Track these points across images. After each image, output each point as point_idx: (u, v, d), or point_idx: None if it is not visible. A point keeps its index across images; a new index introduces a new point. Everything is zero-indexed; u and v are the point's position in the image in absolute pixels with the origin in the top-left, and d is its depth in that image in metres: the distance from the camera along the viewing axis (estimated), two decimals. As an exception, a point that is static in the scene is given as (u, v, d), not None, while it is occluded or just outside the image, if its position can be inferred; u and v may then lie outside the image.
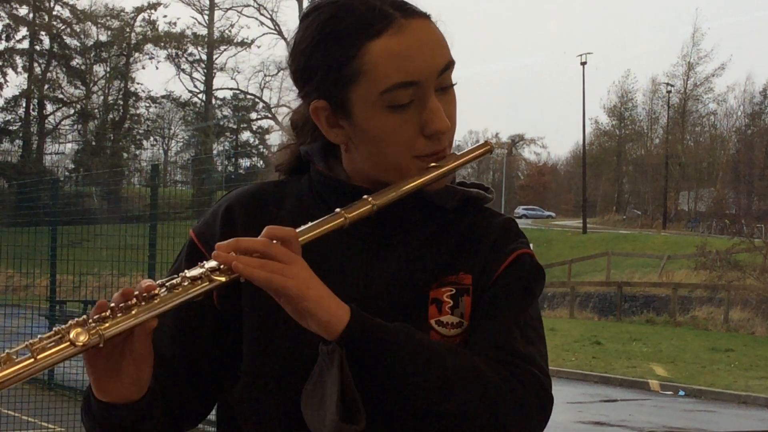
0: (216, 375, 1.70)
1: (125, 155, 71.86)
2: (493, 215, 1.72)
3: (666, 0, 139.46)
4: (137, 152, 74.99)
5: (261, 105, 73.96)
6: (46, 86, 70.02)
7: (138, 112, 74.17)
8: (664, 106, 75.09)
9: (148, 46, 72.72)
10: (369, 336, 1.46)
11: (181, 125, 76.72)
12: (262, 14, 74.21)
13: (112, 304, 1.42)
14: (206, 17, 74.12)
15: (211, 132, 72.75)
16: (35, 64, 70.34)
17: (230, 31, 74.67)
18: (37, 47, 70.05)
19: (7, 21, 68.44)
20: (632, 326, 29.44)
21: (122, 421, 1.54)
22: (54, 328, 1.39)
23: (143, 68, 75.85)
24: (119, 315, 1.41)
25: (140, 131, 74.58)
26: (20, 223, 15.88)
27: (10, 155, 69.64)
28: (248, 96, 74.37)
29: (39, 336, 1.39)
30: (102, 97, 72.97)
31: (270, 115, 72.53)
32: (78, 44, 70.98)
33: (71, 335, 1.37)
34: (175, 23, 73.70)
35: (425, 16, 1.62)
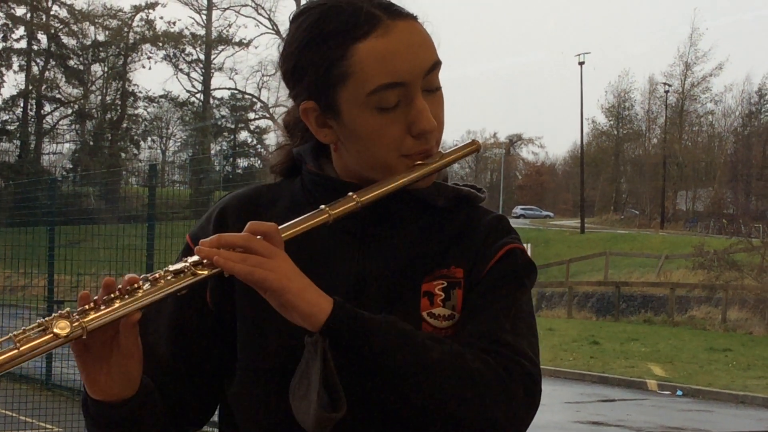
0: (216, 374, 1.71)
1: (123, 155, 71.83)
2: (485, 212, 1.74)
3: (664, 0, 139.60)
4: (135, 152, 74.99)
5: (259, 105, 74.03)
6: (43, 86, 69.99)
7: (136, 111, 74.23)
8: (662, 106, 75.15)
9: (146, 46, 72.71)
10: (352, 325, 1.48)
11: (179, 125, 76.78)
12: (259, 14, 74.30)
13: (95, 297, 1.44)
14: (204, 17, 74.15)
15: (209, 132, 72.75)
16: (33, 64, 70.33)
17: (228, 31, 74.74)
18: (35, 47, 70.07)
19: (5, 21, 68.44)
20: (630, 326, 29.45)
21: (118, 419, 1.57)
22: (38, 320, 1.41)
23: (143, 67, 75.74)
24: (102, 308, 1.43)
25: (138, 131, 74.59)
26: (18, 223, 15.88)
27: (8, 155, 69.63)
28: (246, 96, 74.40)
29: (23, 327, 1.40)
30: (100, 97, 72.97)
31: (268, 115, 72.56)
32: (76, 44, 71.00)
33: (54, 327, 1.39)
34: (173, 23, 73.60)
35: (412, 18, 1.63)
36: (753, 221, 44.73)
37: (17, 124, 69.81)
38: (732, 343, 24.24)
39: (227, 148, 73.88)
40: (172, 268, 1.48)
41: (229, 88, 75.51)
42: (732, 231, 37.45)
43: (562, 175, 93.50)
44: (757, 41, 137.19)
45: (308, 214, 1.57)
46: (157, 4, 71.08)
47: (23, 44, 69.52)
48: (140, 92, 73.66)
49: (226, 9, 74.49)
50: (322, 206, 1.57)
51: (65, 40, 70.60)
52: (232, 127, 74.94)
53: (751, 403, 16.57)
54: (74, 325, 1.40)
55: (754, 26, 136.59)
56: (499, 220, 1.72)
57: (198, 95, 74.84)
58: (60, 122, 72.27)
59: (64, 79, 71.04)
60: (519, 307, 1.64)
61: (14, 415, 11.19)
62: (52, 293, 13.86)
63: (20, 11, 68.96)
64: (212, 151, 71.55)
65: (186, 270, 1.47)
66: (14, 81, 72.91)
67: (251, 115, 74.97)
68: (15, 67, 69.61)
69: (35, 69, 70.58)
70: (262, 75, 72.52)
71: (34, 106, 70.56)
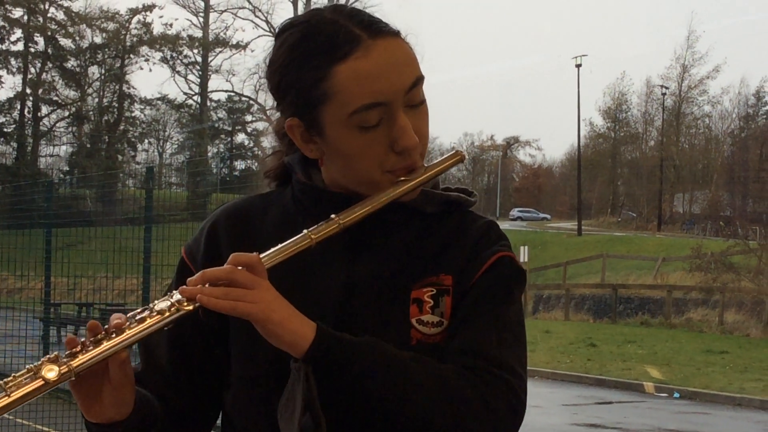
0: (215, 384, 1.75)
1: (120, 157, 71.76)
2: (475, 218, 1.74)
3: (661, 2, 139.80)
4: (132, 154, 74.96)
5: (256, 107, 73.97)
6: (40, 88, 69.95)
7: (133, 114, 74.17)
8: (659, 108, 75.20)
9: (143, 49, 72.67)
10: (333, 351, 1.51)
11: (176, 127, 76.75)
12: (257, 16, 74.32)
13: (83, 339, 1.49)
14: (201, 19, 74.16)
15: (205, 134, 72.73)
16: (30, 66, 70.30)
17: (225, 34, 74.79)
18: (32, 49, 70.02)
19: (2, 23, 68.41)
20: (627, 328, 29.44)
21: None
22: (26, 366, 1.46)
23: (141, 69, 75.71)
24: (90, 348, 1.48)
25: (135, 133, 74.58)
26: (15, 225, 15.87)
27: (5, 157, 69.65)
28: (243, 98, 74.45)
29: (13, 374, 1.45)
30: (97, 100, 72.93)
31: (265, 117, 72.40)
32: (73, 46, 70.95)
33: (43, 372, 1.44)
34: (170, 25, 73.55)
35: (393, 34, 1.64)
36: (750, 223, 44.88)
37: (14, 126, 69.81)
38: (729, 346, 24.24)
39: (224, 151, 73.90)
40: (157, 307, 1.52)
41: (226, 91, 75.63)
42: (729, 233, 37.50)
43: (559, 177, 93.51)
44: (753, 44, 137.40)
45: (291, 240, 1.58)
46: (154, 6, 71.11)
47: (20, 46, 69.51)
48: (137, 95, 73.72)
49: (223, 11, 74.64)
50: (305, 231, 1.59)
51: (62, 42, 70.60)
52: (229, 129, 74.94)
53: (748, 406, 16.57)
54: (62, 369, 1.45)
55: (751, 29, 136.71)
56: (489, 226, 1.73)
57: (195, 98, 74.88)
58: (57, 124, 72.28)
59: (61, 82, 71.04)
60: (506, 318, 1.65)
61: (11, 417, 11.18)
62: (49, 295, 13.85)
63: (17, 13, 69.02)
64: (209, 154, 71.60)
65: (171, 306, 1.51)
66: (11, 83, 72.97)
67: (248, 118, 75.02)
68: (12, 69, 69.57)
69: (32, 71, 70.60)
70: (259, 77, 71.60)
71: (32, 109, 70.51)
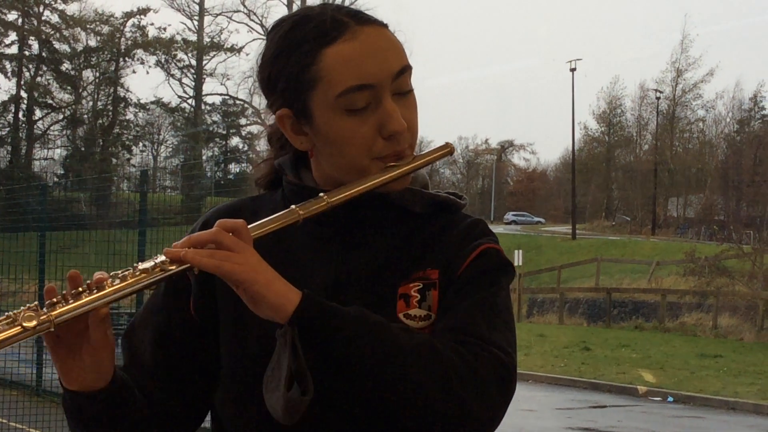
0: (203, 383, 1.74)
1: (114, 161, 71.74)
2: (463, 217, 1.75)
3: (655, 6, 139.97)
4: (127, 158, 74.90)
5: (250, 110, 73.91)
6: (35, 91, 69.89)
7: (127, 117, 74.15)
8: (653, 112, 75.30)
9: (138, 52, 72.64)
10: (321, 315, 1.49)
11: (171, 131, 76.68)
12: (251, 19, 74.24)
13: (64, 292, 1.48)
14: (196, 23, 74.13)
15: (200, 138, 72.66)
16: (24, 70, 70.23)
17: (220, 37, 74.69)
18: (27, 52, 69.97)
19: (-4, 26, 68.33)
20: (621, 332, 29.47)
21: (94, 412, 1.60)
22: (6, 313, 1.45)
23: (134, 72, 75.69)
24: (71, 301, 1.46)
25: (129, 137, 74.51)
26: (8, 228, 15.85)
27: (-1, 160, 69.53)
28: (237, 101, 74.35)
29: None
30: (91, 103, 72.85)
31: (259, 121, 71.80)
32: (67, 49, 70.89)
33: (22, 320, 1.43)
34: (164, 29, 73.65)
35: (381, 24, 1.67)
36: (744, 228, 44.83)
37: (8, 129, 69.69)
38: (723, 350, 24.27)
39: (219, 154, 73.85)
40: (141, 266, 1.50)
41: (220, 94, 75.54)
42: (723, 237, 37.52)
43: (553, 181, 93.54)
44: (748, 48, 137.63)
45: (278, 214, 1.59)
46: (148, 10, 71.12)
47: (15, 49, 69.49)
48: (132, 98, 73.66)
49: (218, 15, 74.55)
50: (293, 206, 1.59)
51: (57, 45, 70.54)
52: (224, 132, 74.88)
53: (742, 410, 16.59)
54: (42, 318, 1.43)
55: (745, 33, 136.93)
56: (476, 222, 1.74)
57: (189, 101, 74.84)
58: (51, 128, 72.19)
59: (55, 85, 70.98)
60: (494, 303, 1.64)
61: (4, 421, 11.18)
62: (43, 299, 13.81)
63: (12, 17, 68.96)
64: (204, 157, 71.52)
65: (155, 267, 1.49)
66: (6, 86, 72.79)
67: (243, 121, 74.92)
68: (7, 72, 69.48)
69: (27, 74, 70.50)
70: (254, 81, 71.87)
71: (26, 112, 70.45)
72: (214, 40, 73.90)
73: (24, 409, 11.24)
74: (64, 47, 70.81)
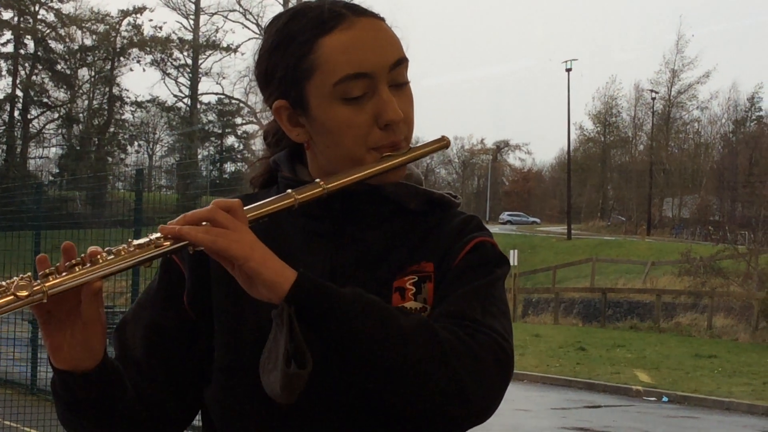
0: (194, 379, 1.73)
1: (110, 160, 71.68)
2: (457, 213, 1.75)
3: (650, 7, 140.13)
4: (122, 157, 74.87)
5: (246, 110, 73.93)
6: (30, 90, 69.81)
7: (123, 116, 74.10)
8: (649, 112, 75.43)
9: (134, 51, 72.60)
10: (317, 292, 1.49)
11: (166, 130, 76.64)
12: (247, 19, 74.23)
13: (57, 264, 1.47)
14: (192, 22, 74.07)
15: (195, 137, 72.62)
16: (20, 68, 70.16)
17: (216, 36, 74.66)
18: (22, 51, 69.90)
19: (-8, 25, 68.26)
20: (616, 332, 29.49)
21: (83, 395, 1.59)
22: None
23: (131, 70, 75.70)
24: (64, 274, 1.45)
25: (125, 136, 74.47)
26: (3, 227, 15.81)
27: (-6, 159, 69.45)
28: (233, 101, 74.35)
29: None
30: (87, 102, 72.82)
31: (255, 120, 72.47)
32: (63, 48, 70.83)
33: (15, 288, 1.41)
34: (160, 27, 73.51)
35: (377, 17, 1.68)
36: (739, 228, 44.94)
37: (3, 128, 69.63)
38: (718, 350, 24.30)
39: (214, 153, 73.81)
40: (136, 242, 1.49)
41: (216, 93, 75.50)
42: (718, 238, 37.52)
43: (549, 181, 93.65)
44: (743, 49, 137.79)
45: (274, 197, 1.59)
46: (144, 8, 71.06)
47: (10, 48, 69.38)
48: (127, 97, 73.62)
49: (213, 14, 74.52)
50: (289, 190, 1.59)
51: (52, 44, 70.52)
52: (219, 132, 74.83)
53: (737, 410, 16.61)
54: (35, 288, 1.42)
55: (741, 34, 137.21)
56: (470, 218, 1.74)
57: (185, 100, 74.80)
58: (47, 127, 72.16)
59: (51, 84, 70.91)
60: (489, 292, 1.64)
61: (-2, 420, 11.16)
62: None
63: (7, 15, 68.86)
64: (199, 156, 71.53)
65: (149, 243, 1.49)
66: (1, 85, 72.78)
67: (238, 120, 74.92)
68: (2, 71, 69.45)
69: (22, 73, 70.44)
70: (250, 80, 72.31)
71: (21, 111, 70.36)
72: (210, 39, 73.89)
73: (18, 408, 11.22)
74: (59, 46, 70.82)
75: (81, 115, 72.18)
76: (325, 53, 1.61)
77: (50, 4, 69.70)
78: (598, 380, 19.44)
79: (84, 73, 72.58)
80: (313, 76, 1.62)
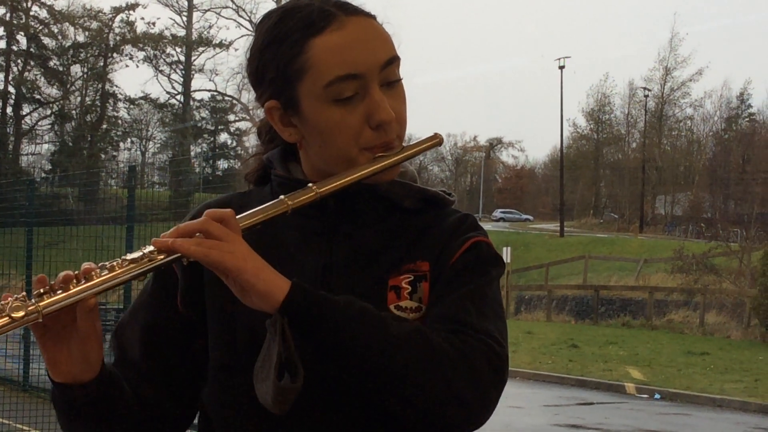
0: (192, 379, 1.74)
1: (102, 156, 71.56)
2: (452, 212, 1.75)
3: (644, 5, 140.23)
4: (114, 153, 74.75)
5: (239, 107, 73.85)
6: (23, 87, 69.63)
7: (116, 113, 73.96)
8: (642, 110, 75.45)
9: (127, 47, 72.45)
10: (310, 302, 1.49)
11: (159, 127, 76.55)
12: (240, 15, 74.15)
13: (53, 282, 1.47)
14: (185, 18, 73.95)
15: (188, 134, 72.56)
16: (12, 65, 69.98)
17: (209, 33, 74.55)
18: (14, 47, 69.70)
19: (-16, 21, 68.06)
20: (609, 329, 29.52)
21: (82, 405, 1.60)
22: None
23: (126, 66, 75.51)
24: (59, 292, 1.46)
25: (118, 132, 74.34)
26: (-4, 224, 15.78)
27: (-14, 156, 69.27)
28: (226, 98, 74.29)
29: None
30: (79, 98, 72.65)
31: (248, 117, 72.35)
32: (55, 45, 70.65)
33: (10, 310, 1.42)
34: (153, 24, 73.40)
35: (368, 15, 1.67)
36: (731, 225, 45.02)
37: (-4, 124, 69.46)
38: (710, 347, 24.33)
39: (207, 150, 73.75)
40: (129, 256, 1.50)
41: (209, 90, 75.44)
42: (710, 235, 37.61)
43: (541, 178, 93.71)
44: (736, 47, 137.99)
45: (267, 204, 1.59)
46: (137, 5, 70.89)
47: (2, 44, 69.18)
48: (120, 93, 73.48)
49: (206, 11, 74.40)
50: (282, 197, 1.59)
51: (45, 40, 70.29)
52: (212, 128, 74.79)
53: (728, 407, 16.64)
54: (30, 308, 1.43)
55: (734, 32, 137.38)
56: (466, 217, 1.74)
57: (178, 97, 74.70)
58: (39, 123, 71.94)
59: (43, 80, 70.72)
60: (484, 293, 1.64)
61: (-8, 417, 11.15)
62: (31, 294, 13.77)
63: (-1, 11, 68.67)
64: (192, 153, 71.46)
65: (143, 257, 1.49)
66: (-7, 81, 72.48)
67: (231, 117, 74.89)
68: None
69: (15, 69, 70.26)
70: (243, 77, 71.62)
71: (13, 107, 70.19)
72: (203, 36, 73.80)
73: (11, 404, 11.21)
74: (52, 42, 70.60)
75: (74, 111, 72.00)
76: (316, 54, 1.60)
77: (43, 1, 69.52)
78: (590, 377, 19.46)
79: (77, 69, 72.46)
80: (303, 77, 1.62)
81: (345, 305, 1.50)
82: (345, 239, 1.69)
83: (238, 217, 1.54)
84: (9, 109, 70.28)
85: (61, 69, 71.08)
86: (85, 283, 1.47)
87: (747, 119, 77.67)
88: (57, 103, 71.21)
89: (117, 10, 71.17)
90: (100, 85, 72.42)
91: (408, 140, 1.73)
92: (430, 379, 1.50)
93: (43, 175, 63.54)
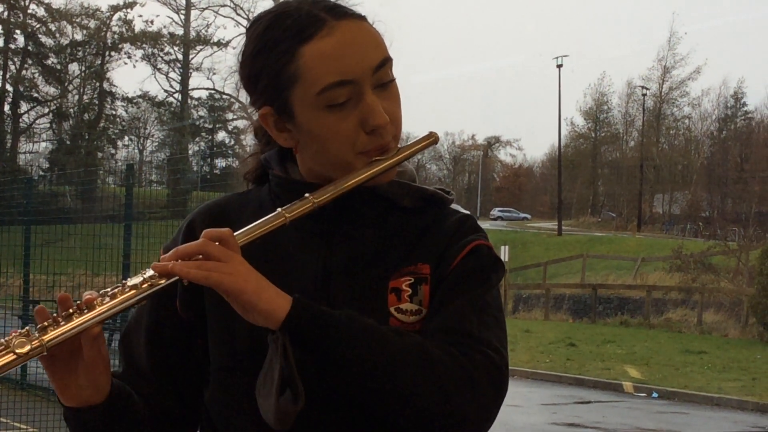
0: (197, 383, 1.75)
1: (100, 155, 71.54)
2: (452, 212, 1.74)
3: (643, 4, 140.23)
4: (112, 152, 74.72)
5: (237, 105, 73.74)
6: (20, 85, 69.61)
7: (114, 112, 73.93)
8: (640, 109, 75.48)
9: (124, 46, 72.42)
10: (311, 320, 1.50)
11: (157, 125, 76.54)
12: (238, 14, 74.13)
13: (54, 314, 1.48)
14: (182, 17, 73.98)
15: (186, 132, 72.55)
16: (10, 63, 69.95)
17: (206, 31, 74.57)
18: (12, 46, 69.69)
19: (-18, 19, 68.01)
20: (606, 328, 29.55)
21: (94, 423, 1.61)
22: None
23: (124, 64, 75.46)
24: (62, 323, 1.47)
25: (115, 131, 74.32)
26: (-6, 222, 15.77)
27: (-16, 154, 69.25)
28: (224, 96, 74.27)
29: None
30: (77, 97, 72.64)
31: (246, 116, 71.79)
32: (53, 43, 70.63)
33: (14, 346, 1.43)
34: (151, 22, 73.36)
35: (358, 17, 1.65)
36: (729, 224, 45.09)
37: (-7, 122, 69.42)
38: (707, 346, 24.34)
39: (205, 149, 73.80)
40: (130, 282, 1.50)
41: (207, 89, 75.46)
42: (708, 234, 37.66)
43: (539, 177, 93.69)
44: (734, 46, 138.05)
45: (264, 218, 1.58)
46: (135, 3, 70.87)
47: (0, 43, 69.16)
48: (118, 92, 73.47)
49: (204, 9, 74.41)
50: (279, 209, 1.59)
51: (43, 39, 70.29)
52: (210, 127, 74.79)
53: (726, 405, 16.64)
54: (34, 343, 1.43)
55: (732, 31, 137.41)
56: (466, 218, 1.73)
57: (176, 95, 74.68)
58: (37, 121, 71.97)
59: (41, 79, 70.71)
60: (485, 301, 1.64)
61: (-10, 416, 11.14)
62: (28, 293, 13.79)
63: (-3, 10, 68.62)
64: (190, 152, 71.43)
65: (143, 282, 1.50)
66: (-9, 80, 72.44)
67: (229, 116, 74.85)
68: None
69: (12, 68, 70.24)
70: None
71: (11, 105, 70.17)
72: (201, 35, 73.79)
73: (9, 403, 11.20)
74: (50, 41, 70.60)
75: (71, 110, 72.02)
76: (307, 63, 1.60)
77: (40, -1, 69.52)
78: (588, 376, 19.47)
79: (74, 67, 72.49)
80: (295, 85, 1.61)
81: (346, 321, 1.51)
82: (344, 240, 1.69)
83: (236, 234, 1.54)
84: (7, 108, 70.28)
85: (58, 67, 71.08)
86: (87, 313, 1.48)
87: (743, 118, 77.67)
88: (55, 102, 71.21)
89: (115, 9, 71.18)
90: (97, 84, 72.42)
91: (405, 139, 1.72)
92: (430, 393, 1.51)
93: (41, 173, 63.57)
